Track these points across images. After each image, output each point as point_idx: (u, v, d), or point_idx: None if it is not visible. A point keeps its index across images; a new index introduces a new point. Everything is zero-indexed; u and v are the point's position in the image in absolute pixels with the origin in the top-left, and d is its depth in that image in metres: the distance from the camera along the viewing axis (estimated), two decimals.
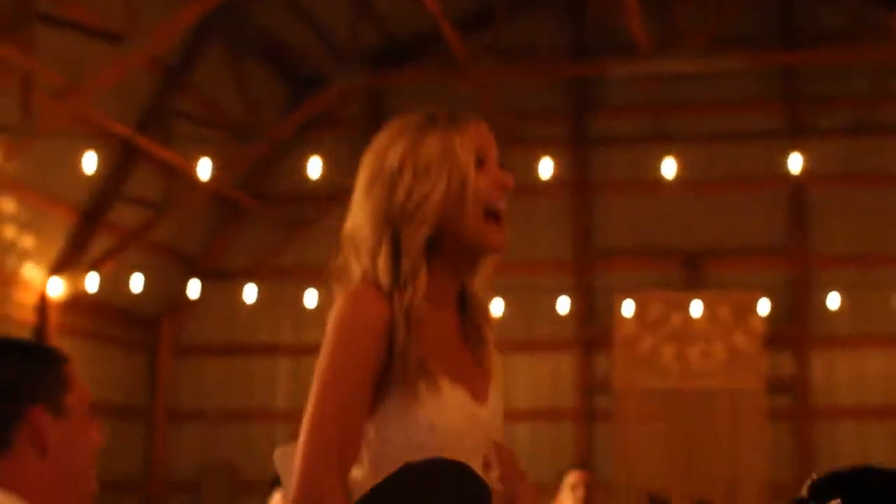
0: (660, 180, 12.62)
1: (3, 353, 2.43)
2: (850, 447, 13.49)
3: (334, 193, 14.12)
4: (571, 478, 8.75)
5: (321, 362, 2.55)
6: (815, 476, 2.47)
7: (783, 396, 13.75)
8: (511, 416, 13.30)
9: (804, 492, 2.45)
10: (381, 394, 2.57)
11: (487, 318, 2.83)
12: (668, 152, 12.27)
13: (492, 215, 2.73)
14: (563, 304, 13.62)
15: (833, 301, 13.37)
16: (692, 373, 13.82)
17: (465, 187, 2.66)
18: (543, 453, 13.58)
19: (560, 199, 14.36)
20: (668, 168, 12.26)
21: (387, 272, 2.62)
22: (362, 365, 2.54)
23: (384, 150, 2.70)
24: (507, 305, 13.06)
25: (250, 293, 13.97)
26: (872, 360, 13.70)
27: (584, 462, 13.06)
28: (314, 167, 12.30)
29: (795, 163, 12.34)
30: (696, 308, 13.66)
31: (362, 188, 2.71)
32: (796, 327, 13.77)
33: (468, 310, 2.80)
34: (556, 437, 13.99)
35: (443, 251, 2.69)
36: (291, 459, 2.53)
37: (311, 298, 13.74)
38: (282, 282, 14.25)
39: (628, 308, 13.79)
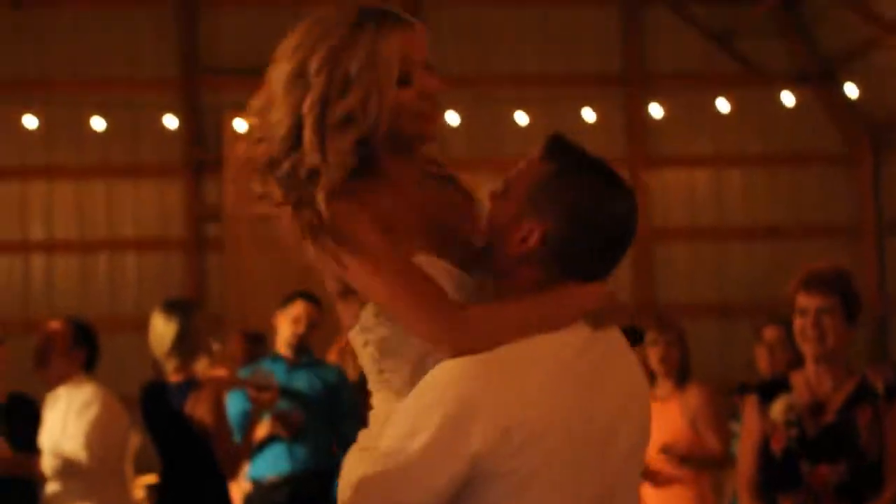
0: None
1: None
2: None
3: None
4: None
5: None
6: None
7: None
8: (117, 245, 12.16)
9: None
10: None
11: None
12: None
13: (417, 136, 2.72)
14: (170, 123, 12.50)
15: (452, 120, 12.87)
16: None
17: (383, 108, 2.60)
18: (152, 284, 12.48)
19: (162, 10, 12.99)
20: None
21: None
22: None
23: (307, 50, 2.62)
24: (109, 125, 11.95)
25: None
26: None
27: (198, 294, 12.22)
28: None
29: None
30: None
31: (281, 84, 2.64)
32: None
33: None
34: (165, 268, 12.90)
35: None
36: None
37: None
38: None
39: (240, 127, 12.79)
